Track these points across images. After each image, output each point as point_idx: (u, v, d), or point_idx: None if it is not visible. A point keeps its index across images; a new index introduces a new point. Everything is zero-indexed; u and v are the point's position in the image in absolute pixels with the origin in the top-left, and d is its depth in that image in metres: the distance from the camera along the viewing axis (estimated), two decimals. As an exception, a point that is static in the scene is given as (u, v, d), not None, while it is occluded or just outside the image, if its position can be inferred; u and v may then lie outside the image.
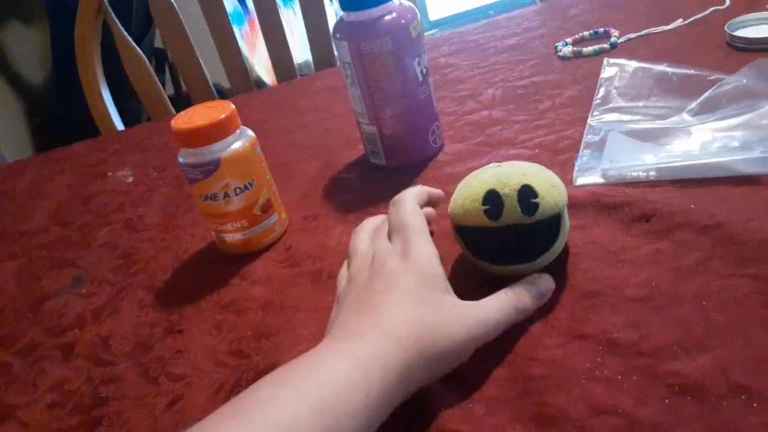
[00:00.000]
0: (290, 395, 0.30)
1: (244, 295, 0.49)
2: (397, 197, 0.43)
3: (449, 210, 0.43)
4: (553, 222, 0.40)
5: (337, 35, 0.56)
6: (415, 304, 0.36)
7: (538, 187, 0.40)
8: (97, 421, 0.42)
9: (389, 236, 0.41)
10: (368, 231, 0.45)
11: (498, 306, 0.38)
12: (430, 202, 0.47)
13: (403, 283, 0.37)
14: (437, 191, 0.48)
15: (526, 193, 0.39)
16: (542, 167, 0.43)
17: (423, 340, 0.34)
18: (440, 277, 0.38)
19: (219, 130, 0.49)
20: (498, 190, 0.40)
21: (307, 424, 0.29)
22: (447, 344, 0.35)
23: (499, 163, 0.44)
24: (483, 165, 0.57)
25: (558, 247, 0.41)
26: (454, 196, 0.43)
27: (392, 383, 0.32)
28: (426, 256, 0.38)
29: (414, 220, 0.41)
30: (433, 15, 3.16)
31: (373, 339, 0.34)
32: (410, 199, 0.43)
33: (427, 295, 0.36)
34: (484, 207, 0.40)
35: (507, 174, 0.41)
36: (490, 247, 0.41)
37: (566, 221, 0.42)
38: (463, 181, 0.43)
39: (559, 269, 0.42)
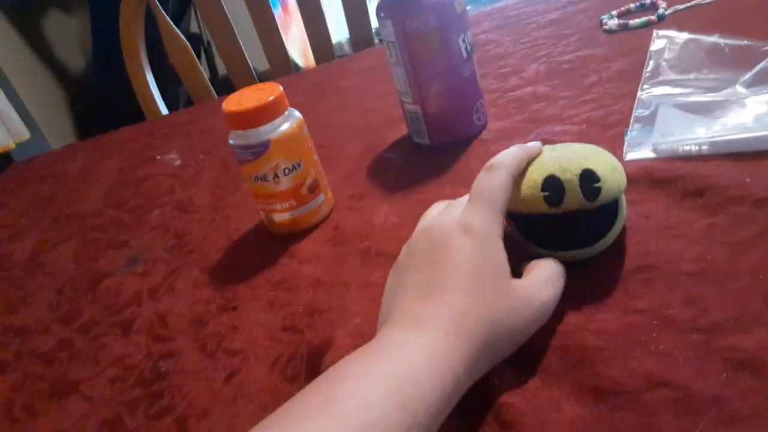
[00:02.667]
0: (378, 392, 0.30)
1: (294, 273, 0.50)
2: (495, 162, 0.39)
3: None
4: (613, 204, 0.40)
5: (382, 14, 0.56)
6: (480, 291, 0.35)
7: (600, 170, 0.39)
8: (159, 394, 0.43)
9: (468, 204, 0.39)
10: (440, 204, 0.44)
11: (549, 277, 0.37)
12: (529, 156, 0.42)
13: (468, 264, 0.35)
14: (535, 147, 0.42)
15: (588, 178, 0.38)
16: (600, 149, 0.41)
17: (490, 333, 0.34)
18: (503, 262, 0.36)
19: (268, 112, 0.50)
20: (558, 175, 0.39)
21: (392, 421, 0.29)
22: (512, 335, 0.35)
23: (552, 146, 0.42)
24: (528, 141, 0.57)
25: (617, 229, 0.40)
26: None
27: (461, 379, 0.32)
28: (493, 237, 0.36)
29: (498, 194, 0.38)
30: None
31: (444, 333, 0.33)
32: (508, 171, 0.39)
33: (491, 281, 0.35)
34: (543, 193, 0.39)
35: (566, 158, 0.39)
36: (548, 233, 0.40)
37: (624, 202, 0.41)
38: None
39: (612, 244, 0.42)
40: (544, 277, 0.38)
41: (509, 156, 0.39)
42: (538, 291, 0.37)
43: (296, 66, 2.36)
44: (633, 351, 0.35)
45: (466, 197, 0.40)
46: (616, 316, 0.37)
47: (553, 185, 0.39)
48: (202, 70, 1.05)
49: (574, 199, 0.38)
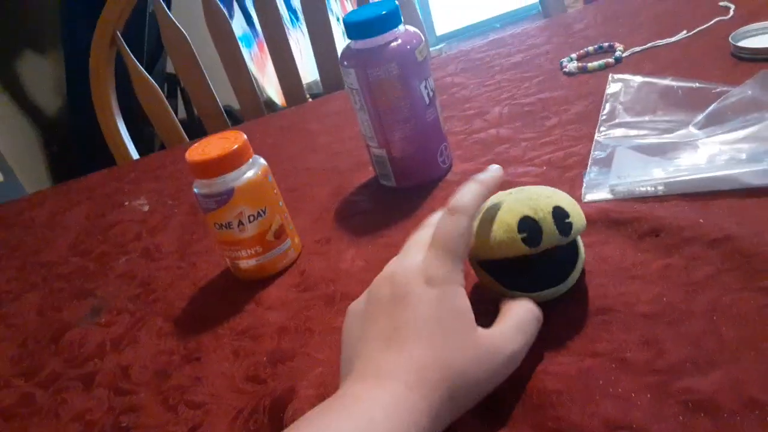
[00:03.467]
0: None
1: (259, 321, 0.50)
2: (458, 206, 0.38)
3: (472, 247, 0.40)
4: (576, 240, 0.42)
5: (345, 63, 0.57)
6: (443, 342, 0.34)
7: (566, 207, 0.40)
8: (120, 451, 0.42)
9: (428, 244, 0.38)
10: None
11: (519, 325, 0.37)
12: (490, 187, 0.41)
13: (430, 316, 0.35)
14: (496, 176, 0.41)
15: (560, 215, 0.39)
16: (550, 188, 0.43)
17: (454, 384, 0.34)
18: (467, 311, 0.36)
19: (232, 161, 0.50)
20: (532, 215, 0.39)
21: None
22: (477, 387, 0.35)
23: (508, 191, 0.43)
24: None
25: (581, 261, 0.42)
26: (476, 232, 0.41)
27: (425, 429, 0.32)
28: (455, 288, 0.36)
29: (460, 243, 0.37)
30: (440, 29, 3.19)
31: (406, 385, 0.33)
32: (469, 216, 0.38)
33: (454, 332, 0.35)
34: (521, 235, 0.39)
35: (532, 199, 0.40)
36: (525, 275, 0.41)
37: (579, 238, 0.43)
38: (481, 216, 0.41)
39: (573, 286, 0.43)
40: (515, 324, 0.37)
41: (470, 196, 0.39)
42: (506, 341, 0.36)
43: (273, 104, 2.38)
44: (592, 394, 0.35)
45: (419, 239, 0.40)
46: (575, 360, 0.38)
47: (529, 226, 0.39)
48: (173, 114, 1.05)
49: (551, 236, 0.39)
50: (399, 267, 0.38)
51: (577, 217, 0.40)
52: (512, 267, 0.41)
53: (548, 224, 0.39)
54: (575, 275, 0.41)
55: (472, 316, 0.36)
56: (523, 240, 0.39)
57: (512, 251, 0.40)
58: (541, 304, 0.39)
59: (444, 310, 0.35)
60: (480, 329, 0.36)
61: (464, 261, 0.38)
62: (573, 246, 0.42)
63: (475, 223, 0.41)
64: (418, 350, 0.34)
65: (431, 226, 0.40)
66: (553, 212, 0.39)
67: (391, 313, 0.36)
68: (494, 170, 0.41)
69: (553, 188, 0.43)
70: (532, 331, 0.38)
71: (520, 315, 0.38)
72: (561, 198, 0.41)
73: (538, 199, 0.40)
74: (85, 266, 0.67)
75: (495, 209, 0.41)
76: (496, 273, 0.41)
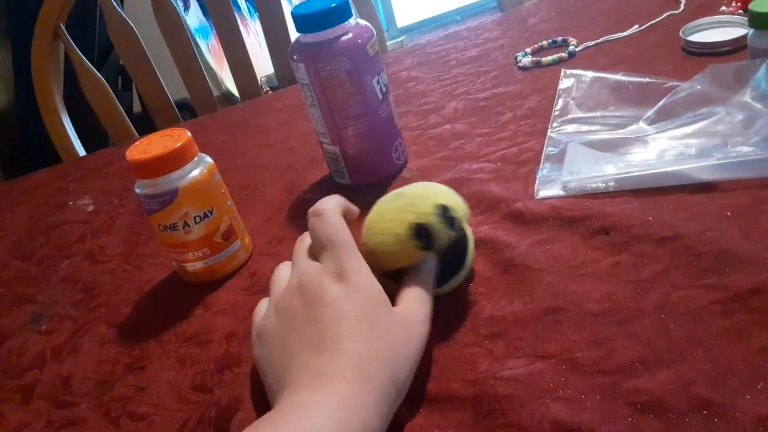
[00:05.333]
0: None
1: (207, 327, 0.48)
2: (319, 207, 0.40)
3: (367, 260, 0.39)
4: (463, 233, 0.43)
5: (294, 57, 0.56)
6: (371, 333, 0.35)
7: (445, 201, 0.41)
8: (58, 467, 0.40)
9: (315, 253, 0.39)
10: (287, 264, 0.43)
11: (419, 298, 0.39)
12: (345, 216, 0.42)
13: (351, 309, 0.35)
14: (354, 208, 0.44)
15: (443, 211, 0.40)
16: (423, 184, 0.44)
17: (393, 371, 0.34)
18: (381, 294, 0.37)
19: (175, 159, 0.49)
20: (420, 221, 0.40)
21: None
22: (410, 363, 0.36)
23: (385, 197, 0.43)
24: (448, 180, 0.57)
25: (471, 241, 0.43)
26: (369, 248, 0.41)
27: (373, 425, 0.32)
28: (364, 274, 0.37)
29: (343, 234, 0.38)
30: (401, 21, 3.17)
31: (346, 382, 0.32)
32: (335, 210, 0.40)
33: (378, 319, 0.36)
34: (416, 242, 0.39)
35: (413, 203, 0.41)
36: None
37: (469, 231, 0.44)
38: (367, 229, 0.42)
39: (522, 286, 0.42)
40: (416, 298, 0.39)
41: (331, 199, 0.41)
42: (417, 311, 0.38)
43: (232, 97, 2.33)
44: (542, 397, 0.35)
45: (302, 251, 0.40)
46: (525, 362, 0.37)
47: (419, 232, 0.40)
48: (122, 110, 1.02)
49: (443, 236, 0.40)
50: (302, 275, 0.38)
51: (458, 207, 0.41)
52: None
53: (437, 225, 0.40)
54: (469, 259, 0.43)
55: (386, 296, 0.37)
56: (419, 247, 0.40)
57: (412, 259, 0.40)
58: (487, 307, 0.40)
59: (363, 300, 0.36)
60: (395, 308, 0.37)
61: (356, 248, 0.39)
62: (464, 235, 0.43)
63: (369, 239, 0.42)
64: (350, 345, 0.34)
65: (305, 238, 0.42)
66: (436, 212, 0.40)
67: (311, 318, 0.36)
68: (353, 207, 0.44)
69: (426, 183, 0.44)
70: (429, 301, 0.39)
71: (416, 290, 0.39)
72: (437, 193, 0.42)
73: (419, 202, 0.41)
74: (25, 270, 0.64)
75: (382, 221, 0.41)
76: (399, 279, 0.41)
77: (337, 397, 0.32)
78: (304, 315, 0.36)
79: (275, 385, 0.36)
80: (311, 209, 0.40)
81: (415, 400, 0.37)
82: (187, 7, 2.33)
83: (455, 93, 0.73)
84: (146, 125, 1.06)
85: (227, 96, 2.30)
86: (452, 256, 0.42)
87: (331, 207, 0.40)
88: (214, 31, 2.41)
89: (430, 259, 0.41)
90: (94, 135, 1.17)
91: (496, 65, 0.76)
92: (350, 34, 0.54)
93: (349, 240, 0.38)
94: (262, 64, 1.71)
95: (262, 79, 2.05)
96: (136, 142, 0.51)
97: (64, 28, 0.97)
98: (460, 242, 0.43)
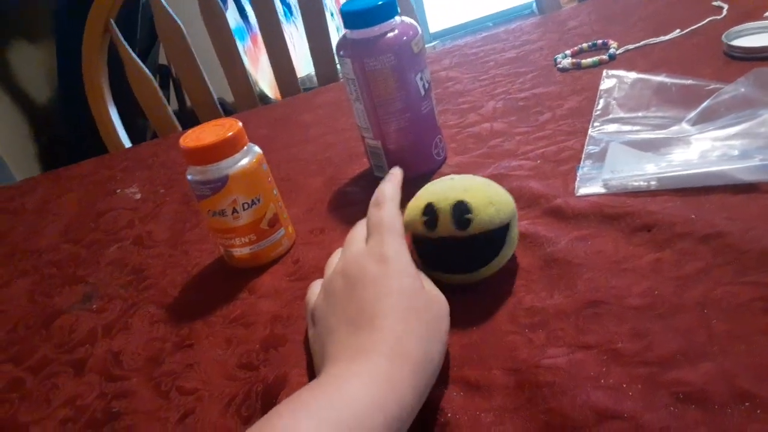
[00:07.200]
0: (312, 425, 0.30)
1: (252, 309, 0.50)
2: (380, 198, 0.43)
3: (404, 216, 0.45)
4: (496, 236, 0.43)
5: (341, 53, 0.57)
6: (408, 312, 0.36)
7: (474, 204, 0.42)
8: (110, 436, 0.42)
9: (367, 239, 0.41)
10: (340, 250, 0.45)
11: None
12: None
13: (390, 288, 0.37)
14: (396, 173, 0.47)
15: (460, 209, 0.42)
16: (491, 183, 0.45)
17: (427, 348, 0.35)
18: (418, 277, 0.39)
19: (227, 148, 0.50)
20: (435, 203, 0.43)
21: None
22: (443, 341, 0.37)
23: (452, 176, 0.46)
24: (487, 177, 0.58)
25: (501, 259, 0.44)
26: (408, 204, 0.45)
27: (407, 399, 0.33)
28: (402, 256, 0.39)
29: (395, 222, 0.41)
30: (434, 27, 3.18)
31: (383, 357, 0.34)
32: (393, 201, 0.42)
33: (414, 299, 0.37)
34: (423, 218, 0.43)
35: (449, 188, 0.44)
36: (430, 254, 0.44)
37: (513, 236, 0.44)
38: (419, 192, 0.46)
39: (562, 279, 0.43)
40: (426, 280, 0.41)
41: (389, 189, 0.43)
42: (437, 291, 0.40)
43: (266, 97, 2.37)
44: (583, 386, 0.36)
45: (352, 238, 0.43)
46: (566, 351, 0.38)
47: (429, 211, 0.43)
48: (166, 103, 1.05)
49: (446, 226, 0.42)
50: (347, 258, 0.40)
51: (484, 215, 0.42)
52: (423, 244, 0.44)
53: (445, 215, 0.42)
54: (488, 270, 0.44)
55: (421, 279, 0.39)
56: (424, 223, 0.43)
57: (417, 229, 0.44)
58: (527, 299, 0.41)
59: (401, 281, 0.37)
60: (426, 285, 0.39)
61: (403, 237, 0.40)
62: (494, 241, 0.43)
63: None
64: (388, 322, 0.35)
65: (362, 225, 0.44)
66: (454, 205, 0.42)
67: (353, 298, 0.38)
68: (394, 172, 0.46)
69: (490, 183, 0.45)
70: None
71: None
72: (479, 194, 0.43)
73: (453, 189, 0.43)
74: (76, 253, 0.67)
75: (425, 190, 0.45)
76: (414, 246, 0.45)
77: (374, 370, 0.33)
78: (345, 294, 0.38)
79: (319, 361, 0.37)
80: (373, 200, 0.43)
81: (456, 383, 0.38)
82: (225, 9, 2.37)
83: (494, 93, 0.74)
84: (182, 123, 1.09)
85: (261, 97, 2.34)
86: (487, 245, 0.43)
87: (391, 197, 0.43)
88: (251, 33, 2.45)
89: (429, 241, 0.43)
90: (133, 129, 1.20)
91: (535, 66, 0.77)
92: (396, 31, 0.56)
93: (398, 227, 0.40)
94: (296, 66, 1.74)
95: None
96: (189, 131, 0.52)
97: (113, 24, 1.00)
98: (497, 233, 0.43)
